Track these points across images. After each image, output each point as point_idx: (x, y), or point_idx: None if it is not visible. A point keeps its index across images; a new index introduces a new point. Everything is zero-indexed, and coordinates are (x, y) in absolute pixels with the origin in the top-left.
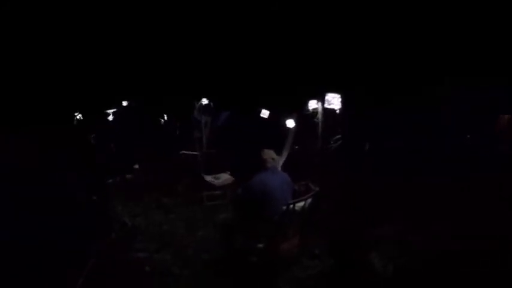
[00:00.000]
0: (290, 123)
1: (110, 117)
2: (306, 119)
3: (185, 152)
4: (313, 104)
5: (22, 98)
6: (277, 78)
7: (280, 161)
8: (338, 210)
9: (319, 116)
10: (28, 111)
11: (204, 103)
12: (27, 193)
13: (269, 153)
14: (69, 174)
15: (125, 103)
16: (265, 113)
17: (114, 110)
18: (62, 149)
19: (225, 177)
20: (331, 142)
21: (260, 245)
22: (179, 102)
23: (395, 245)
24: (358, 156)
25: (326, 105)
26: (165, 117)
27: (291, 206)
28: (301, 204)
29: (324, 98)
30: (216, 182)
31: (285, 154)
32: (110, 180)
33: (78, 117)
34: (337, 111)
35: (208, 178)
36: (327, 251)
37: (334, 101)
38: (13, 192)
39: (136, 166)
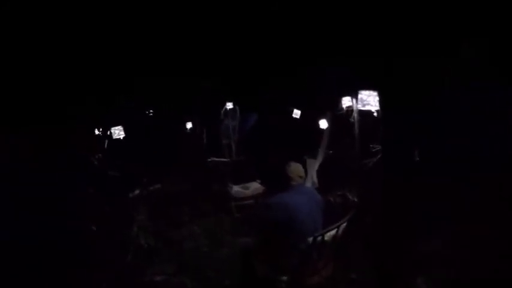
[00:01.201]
0: (323, 123)
1: (120, 131)
2: (339, 119)
3: (214, 159)
4: (346, 102)
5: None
6: (304, 73)
7: (316, 165)
8: (379, 226)
9: (355, 114)
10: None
11: (229, 107)
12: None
13: (297, 169)
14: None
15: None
16: (296, 113)
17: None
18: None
19: (255, 186)
20: (370, 156)
21: (284, 278)
22: (204, 108)
23: (445, 264)
24: (405, 169)
25: (360, 106)
26: (190, 124)
27: (319, 237)
28: (333, 232)
29: (358, 95)
30: (246, 192)
31: (319, 159)
32: (135, 193)
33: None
34: (375, 113)
35: (237, 188)
36: (367, 275)
37: (370, 99)
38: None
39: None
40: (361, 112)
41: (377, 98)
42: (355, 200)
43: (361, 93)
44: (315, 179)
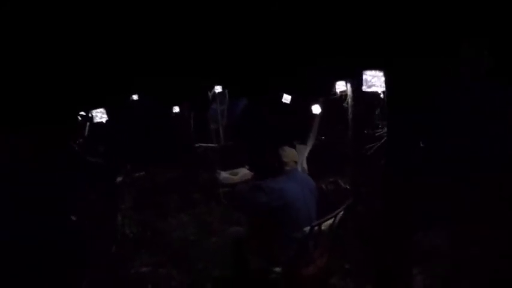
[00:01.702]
0: (316, 108)
1: (104, 116)
2: (333, 103)
3: (202, 144)
4: (341, 86)
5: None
6: (298, 56)
7: (306, 151)
8: (375, 215)
9: (349, 100)
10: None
11: (217, 91)
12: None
13: (291, 154)
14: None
15: (135, 97)
16: (286, 98)
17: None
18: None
19: (243, 172)
20: (373, 140)
21: (277, 269)
22: (191, 91)
23: (444, 258)
24: (408, 156)
25: (365, 88)
26: (177, 109)
27: (316, 227)
28: (329, 222)
29: (356, 77)
30: (234, 178)
31: (310, 144)
32: (118, 180)
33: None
34: (381, 95)
35: (225, 174)
36: (361, 266)
37: (375, 81)
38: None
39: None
40: (365, 94)
41: (383, 79)
42: (348, 187)
43: (365, 74)
44: (305, 165)
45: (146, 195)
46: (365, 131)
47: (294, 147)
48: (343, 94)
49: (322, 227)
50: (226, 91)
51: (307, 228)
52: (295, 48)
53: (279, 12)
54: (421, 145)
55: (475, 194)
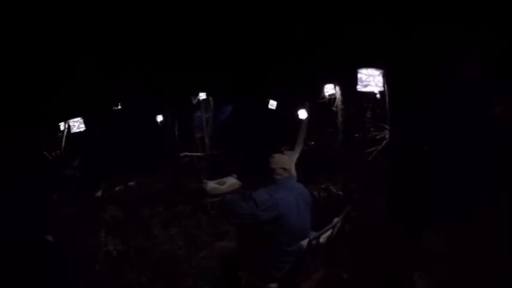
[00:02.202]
0: (302, 114)
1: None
2: (321, 108)
3: (187, 153)
4: (329, 89)
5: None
6: (283, 60)
7: (293, 157)
8: (372, 219)
9: (338, 103)
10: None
11: (201, 98)
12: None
13: (280, 161)
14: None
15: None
16: (272, 104)
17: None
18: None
19: (231, 182)
20: (374, 143)
21: (273, 285)
22: (175, 99)
23: (447, 263)
24: (410, 160)
25: (360, 88)
26: (161, 118)
27: (314, 241)
28: (327, 233)
29: (349, 78)
30: (221, 187)
31: (298, 150)
32: (97, 194)
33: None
34: (377, 95)
35: (212, 184)
36: (359, 275)
37: (370, 80)
38: None
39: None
40: (360, 94)
41: (379, 78)
42: (340, 193)
43: (360, 73)
44: (293, 172)
45: (130, 208)
46: (356, 135)
47: (282, 153)
48: (332, 97)
49: (321, 239)
50: (211, 98)
51: (304, 243)
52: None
53: (269, 13)
54: (425, 148)
55: (477, 197)
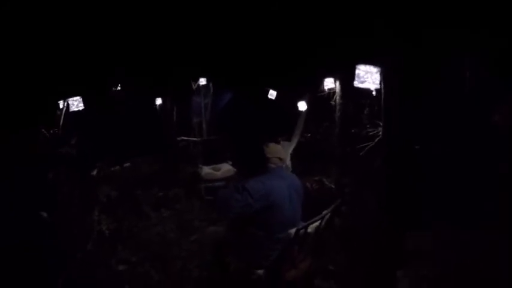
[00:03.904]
0: (302, 105)
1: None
2: (320, 101)
3: (184, 138)
4: (329, 83)
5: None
6: (286, 52)
7: (289, 148)
8: (361, 214)
9: (337, 97)
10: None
11: (202, 84)
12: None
13: (276, 150)
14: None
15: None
16: (272, 94)
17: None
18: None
19: (226, 168)
20: (367, 139)
21: (260, 271)
22: (175, 83)
23: (431, 262)
24: (400, 159)
25: (357, 84)
26: (160, 101)
27: (302, 230)
28: (315, 224)
29: (349, 73)
30: (216, 173)
31: (294, 141)
32: (92, 174)
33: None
34: (374, 92)
35: (207, 169)
36: (345, 268)
37: (368, 77)
38: None
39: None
40: (357, 90)
41: (376, 75)
42: (332, 186)
43: (358, 69)
44: (289, 163)
45: (124, 188)
46: (352, 130)
47: (278, 143)
48: (331, 91)
49: (309, 230)
50: (211, 84)
51: (292, 231)
52: (288, 43)
53: (272, 11)
54: (417, 147)
55: (467, 199)
